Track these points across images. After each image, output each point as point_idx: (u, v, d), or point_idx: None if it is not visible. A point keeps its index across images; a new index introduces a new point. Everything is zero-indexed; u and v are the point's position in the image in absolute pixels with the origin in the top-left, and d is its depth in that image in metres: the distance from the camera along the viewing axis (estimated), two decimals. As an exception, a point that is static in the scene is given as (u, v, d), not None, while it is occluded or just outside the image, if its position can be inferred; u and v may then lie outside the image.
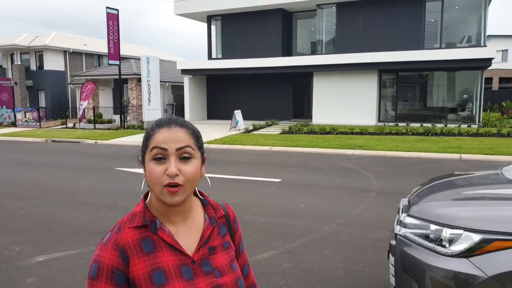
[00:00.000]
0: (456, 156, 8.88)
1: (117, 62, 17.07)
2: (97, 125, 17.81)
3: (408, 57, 14.39)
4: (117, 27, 17.05)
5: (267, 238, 4.10)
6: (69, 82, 24.96)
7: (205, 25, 19.80)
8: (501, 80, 27.67)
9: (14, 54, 25.73)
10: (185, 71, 18.32)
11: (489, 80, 27.12)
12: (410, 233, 2.16)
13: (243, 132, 14.25)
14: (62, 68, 25.59)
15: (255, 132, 14.21)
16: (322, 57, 16.20)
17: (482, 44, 15.07)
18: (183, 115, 18.70)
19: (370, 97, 15.84)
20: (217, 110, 19.55)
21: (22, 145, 13.10)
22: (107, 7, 16.51)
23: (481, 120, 14.94)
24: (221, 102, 19.44)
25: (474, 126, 13.92)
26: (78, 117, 19.56)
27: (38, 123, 19.43)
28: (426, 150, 9.54)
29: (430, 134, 12.29)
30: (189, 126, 0.94)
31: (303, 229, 4.33)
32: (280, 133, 13.58)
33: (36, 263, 3.60)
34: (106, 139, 13.59)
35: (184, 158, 0.89)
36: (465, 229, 1.92)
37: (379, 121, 16.03)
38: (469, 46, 15.10)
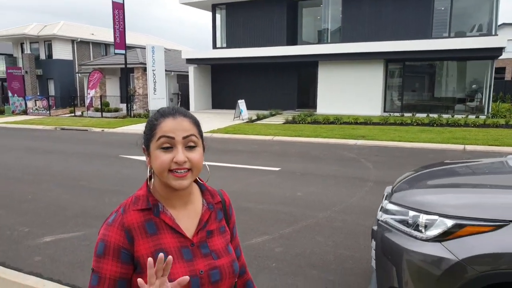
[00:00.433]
0: (460, 147, 8.84)
1: (123, 51, 17.18)
2: (104, 114, 18.05)
3: (415, 46, 14.18)
4: (122, 17, 17.10)
5: (262, 224, 4.23)
6: (77, 71, 25.21)
7: (210, 14, 19.75)
8: (514, 70, 27.08)
9: (24, 43, 26.00)
10: (190, 61, 18.36)
11: (501, 70, 26.54)
12: (391, 219, 2.25)
13: (247, 122, 14.32)
14: (70, 57, 25.83)
15: (258, 122, 14.28)
16: (327, 46, 16.07)
17: (494, 33, 14.76)
18: (188, 105, 18.81)
19: (376, 87, 15.71)
20: (221, 100, 19.55)
21: (32, 133, 13.42)
22: (113, -4, 16.56)
23: (490, 110, 14.69)
24: (225, 91, 19.45)
25: (482, 117, 13.75)
26: (85, 106, 19.84)
27: (48, 111, 19.77)
28: (429, 140, 9.51)
29: (435, 125, 12.19)
30: (191, 116, 0.99)
31: (298, 216, 4.45)
32: (284, 123, 13.63)
33: (43, 243, 3.82)
34: (113, 127, 13.81)
35: (189, 146, 0.95)
36: (440, 215, 2.00)
37: (385, 111, 15.93)
38: (480, 35, 14.79)
